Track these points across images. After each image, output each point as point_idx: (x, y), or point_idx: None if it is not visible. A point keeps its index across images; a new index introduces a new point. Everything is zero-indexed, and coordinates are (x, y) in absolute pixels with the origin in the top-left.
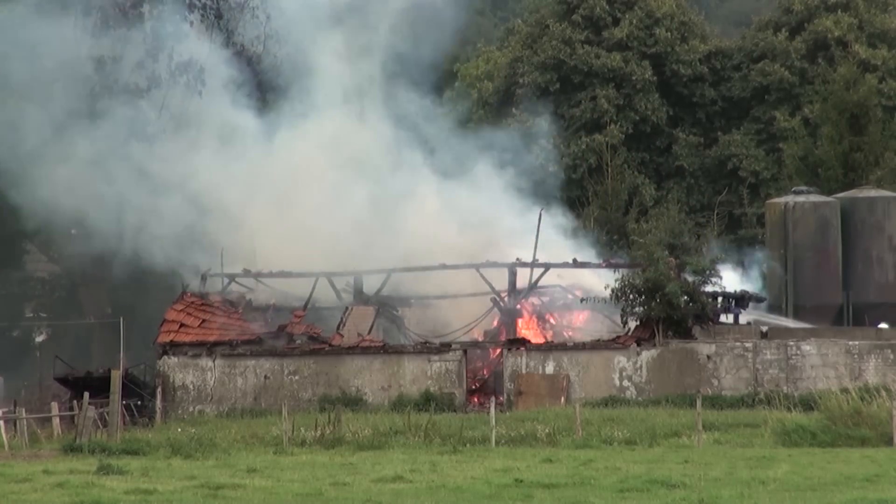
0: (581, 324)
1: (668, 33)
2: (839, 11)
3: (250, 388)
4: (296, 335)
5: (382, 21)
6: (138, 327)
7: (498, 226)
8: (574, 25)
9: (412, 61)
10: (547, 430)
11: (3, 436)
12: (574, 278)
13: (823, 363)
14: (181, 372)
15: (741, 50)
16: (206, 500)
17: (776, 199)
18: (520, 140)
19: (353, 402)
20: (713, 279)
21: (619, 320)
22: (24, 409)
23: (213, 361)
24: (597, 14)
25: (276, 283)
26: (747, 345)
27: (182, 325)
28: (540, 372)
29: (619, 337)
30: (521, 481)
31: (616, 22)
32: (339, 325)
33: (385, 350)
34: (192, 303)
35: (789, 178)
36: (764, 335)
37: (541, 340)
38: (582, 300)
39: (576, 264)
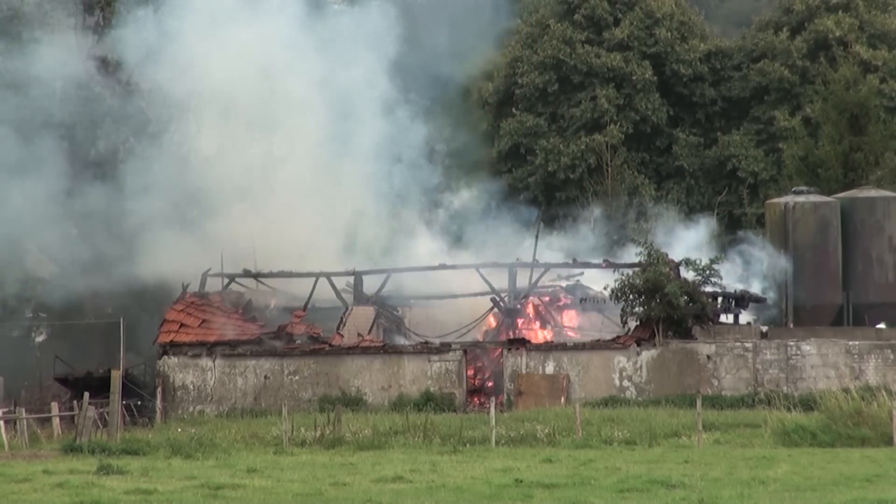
0: (580, 324)
1: (668, 33)
2: (840, 12)
3: (250, 388)
4: (296, 335)
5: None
6: (138, 327)
7: None
8: (575, 25)
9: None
10: (547, 430)
11: (3, 436)
12: (574, 278)
13: (823, 363)
14: (181, 372)
15: (741, 50)
16: (206, 500)
17: (776, 200)
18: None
19: (353, 402)
20: (713, 279)
21: (618, 320)
22: (24, 409)
23: (213, 361)
24: (598, 14)
25: (276, 283)
26: (747, 345)
27: (182, 325)
28: (540, 372)
29: (619, 337)
30: (521, 481)
31: (617, 22)
32: (339, 325)
33: (385, 350)
34: (192, 303)
35: (789, 179)
36: (764, 335)
37: (540, 340)
38: (582, 300)
39: (576, 264)
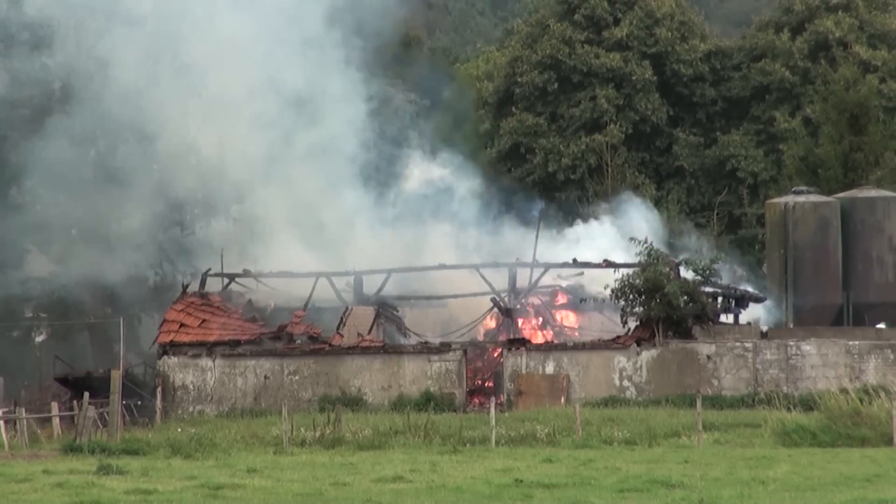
0: (581, 324)
1: (669, 33)
2: (840, 12)
3: (250, 388)
4: (296, 335)
5: None
6: (139, 327)
7: None
8: (575, 25)
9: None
10: (547, 430)
11: (3, 436)
12: (574, 278)
13: (823, 363)
14: (181, 372)
15: (741, 50)
16: (206, 500)
17: (776, 200)
18: None
19: (353, 402)
20: (713, 279)
21: (618, 320)
22: (24, 409)
23: (213, 361)
24: (598, 14)
25: (276, 283)
26: (747, 345)
27: (182, 325)
28: (540, 372)
29: (619, 337)
30: (521, 481)
31: (616, 22)
32: (339, 325)
33: (385, 350)
34: (192, 303)
35: (789, 179)
36: (764, 335)
37: (541, 340)
38: (582, 300)
39: (576, 264)
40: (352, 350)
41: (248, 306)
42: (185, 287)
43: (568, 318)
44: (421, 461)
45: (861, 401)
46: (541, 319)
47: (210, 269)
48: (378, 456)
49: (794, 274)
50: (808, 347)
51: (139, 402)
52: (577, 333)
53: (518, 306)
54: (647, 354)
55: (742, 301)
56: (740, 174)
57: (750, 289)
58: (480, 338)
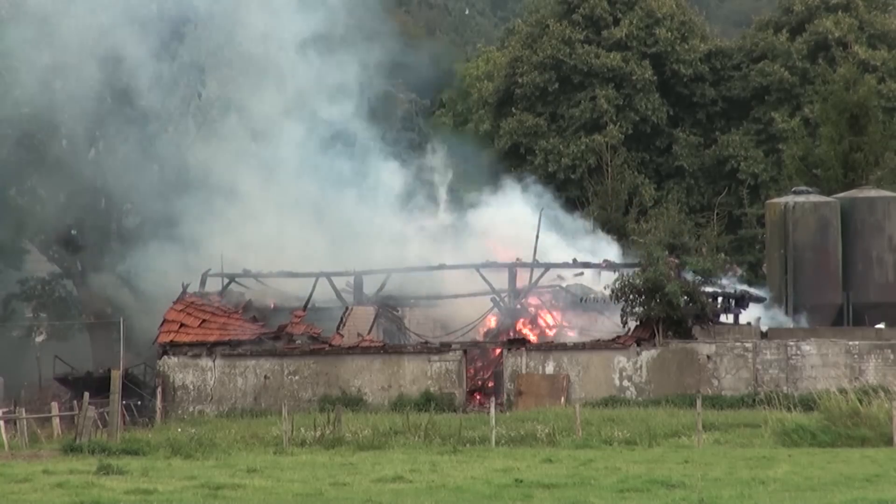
0: (581, 324)
1: (669, 33)
2: (839, 12)
3: (250, 388)
4: (296, 335)
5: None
6: (139, 327)
7: None
8: (574, 25)
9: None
10: (547, 430)
11: (3, 436)
12: (574, 278)
13: (823, 363)
14: (181, 372)
15: (741, 50)
16: (206, 500)
17: (776, 200)
18: None
19: (353, 402)
20: (714, 279)
21: (618, 320)
22: (24, 409)
23: (213, 361)
24: (597, 14)
25: (276, 283)
26: (747, 345)
27: (182, 325)
28: (540, 372)
29: (619, 337)
30: (521, 481)
31: (616, 22)
32: (339, 325)
33: (385, 350)
34: (192, 303)
35: (789, 179)
36: (764, 335)
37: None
38: (582, 300)
39: (576, 264)
40: (352, 350)
41: (248, 306)
42: (185, 287)
43: (567, 318)
44: (421, 461)
45: (861, 401)
46: (541, 319)
47: (210, 269)
48: (378, 456)
49: (794, 274)
50: (808, 347)
51: (139, 402)
52: (573, 333)
53: (518, 306)
54: (647, 354)
55: (742, 301)
56: (740, 174)
57: (750, 289)
58: (480, 338)
